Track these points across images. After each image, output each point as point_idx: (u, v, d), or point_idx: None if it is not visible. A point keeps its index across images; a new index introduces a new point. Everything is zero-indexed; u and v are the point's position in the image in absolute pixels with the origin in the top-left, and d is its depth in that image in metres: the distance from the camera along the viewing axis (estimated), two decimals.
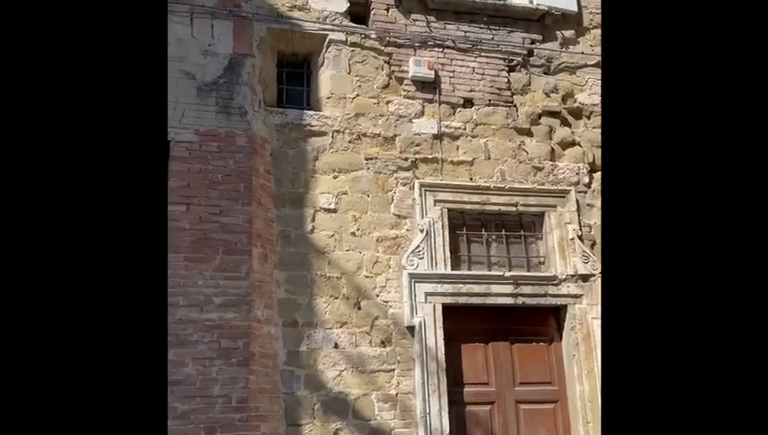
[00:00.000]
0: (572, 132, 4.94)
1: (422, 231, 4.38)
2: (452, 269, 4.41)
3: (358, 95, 4.61)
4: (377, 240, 4.34)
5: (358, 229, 4.33)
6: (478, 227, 4.64)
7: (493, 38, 4.96)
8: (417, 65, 4.69)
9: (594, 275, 4.56)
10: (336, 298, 4.16)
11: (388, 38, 4.73)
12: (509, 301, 4.44)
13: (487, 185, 4.62)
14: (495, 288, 4.42)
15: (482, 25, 4.96)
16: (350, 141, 4.49)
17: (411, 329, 4.19)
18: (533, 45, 5.04)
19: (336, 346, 4.07)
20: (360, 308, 4.18)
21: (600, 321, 4.46)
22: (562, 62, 5.08)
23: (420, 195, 4.47)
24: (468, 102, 4.81)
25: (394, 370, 4.11)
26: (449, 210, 4.52)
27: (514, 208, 4.66)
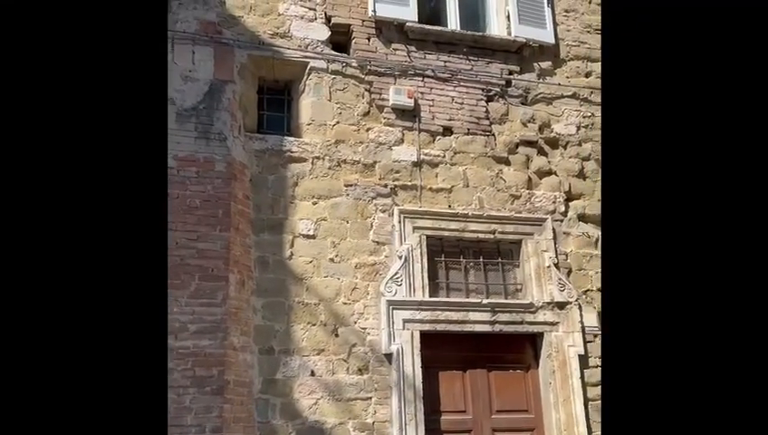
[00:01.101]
0: (549, 162, 5.03)
1: (401, 258, 4.40)
2: (430, 296, 4.42)
3: (338, 122, 4.65)
4: (355, 267, 4.34)
5: (336, 256, 4.33)
6: (456, 254, 4.67)
7: (471, 68, 5.05)
8: (397, 94, 4.75)
9: (570, 303, 4.61)
10: (313, 325, 4.14)
11: (368, 67, 4.80)
12: (486, 328, 4.45)
13: (466, 212, 4.66)
14: (473, 315, 4.44)
15: (461, 56, 5.05)
16: (329, 168, 4.52)
17: (389, 356, 4.18)
18: (511, 76, 5.14)
19: (313, 374, 4.03)
20: (337, 335, 4.16)
21: (575, 348, 4.50)
22: (539, 93, 5.18)
23: (399, 222, 4.50)
24: (447, 131, 4.87)
25: (371, 398, 4.09)
26: (428, 237, 4.55)
27: (492, 236, 4.70)
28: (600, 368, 4.55)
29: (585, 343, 4.56)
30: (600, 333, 4.63)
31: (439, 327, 4.36)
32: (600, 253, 4.86)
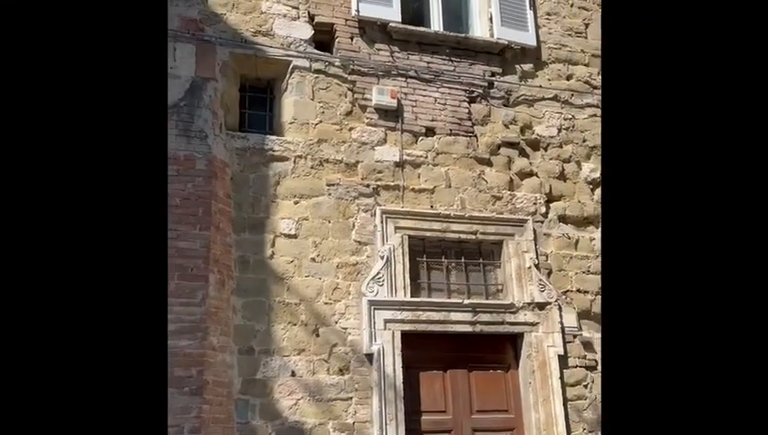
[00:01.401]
0: (530, 163, 5.07)
1: (382, 258, 4.40)
2: (412, 296, 4.42)
3: (321, 121, 4.63)
4: (337, 266, 4.33)
5: (318, 255, 4.31)
6: (438, 255, 4.68)
7: (454, 69, 5.07)
8: (380, 94, 4.75)
9: (550, 304, 4.64)
10: (294, 325, 4.12)
11: (351, 66, 4.79)
12: (467, 328, 4.47)
13: (448, 213, 4.68)
14: (454, 316, 4.45)
15: (444, 57, 5.07)
16: (311, 167, 4.50)
17: (370, 356, 4.17)
18: (494, 78, 5.17)
19: (293, 374, 4.01)
20: (318, 335, 4.14)
21: (555, 349, 4.54)
22: (521, 95, 5.22)
23: (381, 222, 4.50)
24: (430, 131, 4.88)
25: (351, 398, 4.08)
26: (410, 237, 4.55)
27: (474, 237, 4.72)
28: (578, 368, 4.60)
29: (564, 343, 4.60)
30: (579, 333, 4.68)
31: (420, 327, 4.36)
32: (579, 254, 4.92)
